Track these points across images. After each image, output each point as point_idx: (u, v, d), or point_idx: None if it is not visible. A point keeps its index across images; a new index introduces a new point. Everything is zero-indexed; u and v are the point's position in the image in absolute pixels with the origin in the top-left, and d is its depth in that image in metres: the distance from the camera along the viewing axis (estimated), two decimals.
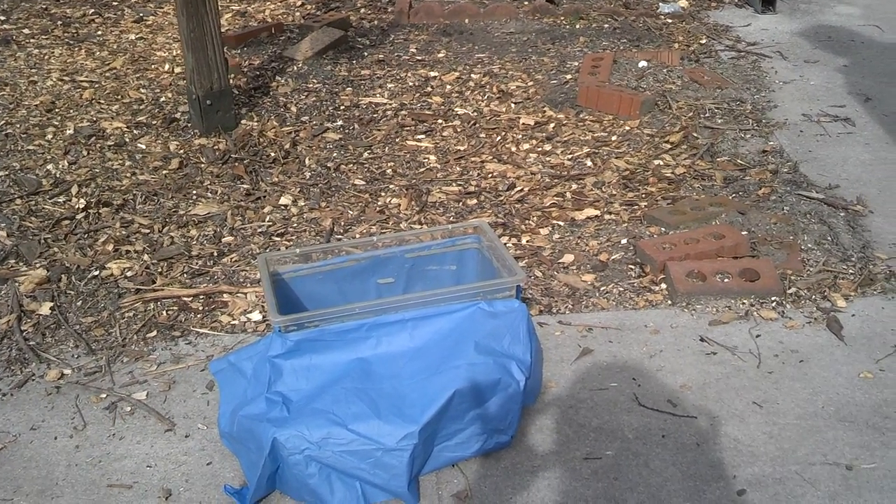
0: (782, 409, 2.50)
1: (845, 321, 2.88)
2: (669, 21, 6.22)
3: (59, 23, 6.44)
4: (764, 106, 4.66)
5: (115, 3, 6.95)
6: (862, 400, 2.53)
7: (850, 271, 3.14)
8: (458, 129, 4.49)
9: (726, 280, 3.04)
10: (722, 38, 5.82)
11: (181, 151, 4.28)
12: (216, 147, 4.30)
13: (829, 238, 3.35)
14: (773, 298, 3.00)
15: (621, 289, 3.11)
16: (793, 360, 2.71)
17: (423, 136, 4.44)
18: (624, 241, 3.40)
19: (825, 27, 6.07)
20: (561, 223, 3.54)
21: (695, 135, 4.29)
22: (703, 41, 5.76)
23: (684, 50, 5.57)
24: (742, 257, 3.20)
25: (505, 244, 3.35)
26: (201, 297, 3.13)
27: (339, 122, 4.61)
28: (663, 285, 3.11)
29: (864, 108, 4.64)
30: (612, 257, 3.30)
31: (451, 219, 3.61)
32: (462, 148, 4.28)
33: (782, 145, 4.18)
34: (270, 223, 3.61)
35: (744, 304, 2.98)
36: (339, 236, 3.51)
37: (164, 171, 4.06)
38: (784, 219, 3.47)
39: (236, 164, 4.12)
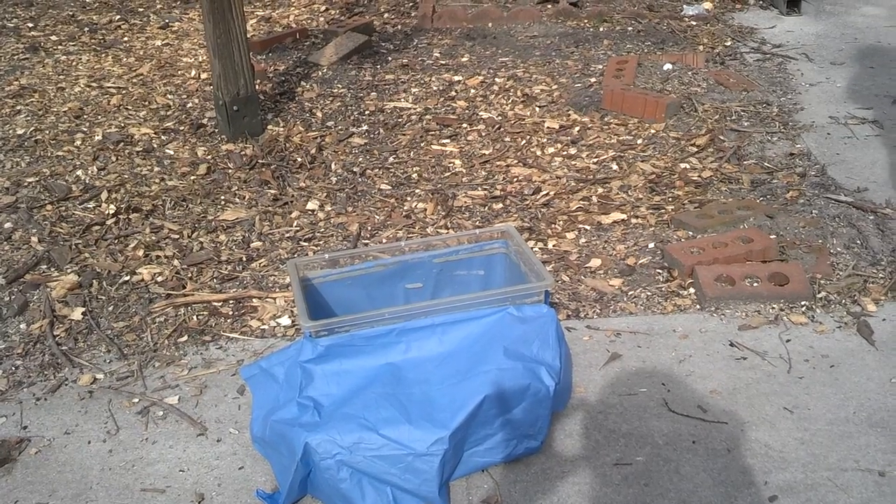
0: (813, 415, 2.48)
1: (876, 326, 2.86)
2: (694, 23, 6.20)
3: (86, 29, 6.51)
4: (790, 108, 4.63)
5: (140, 10, 7.02)
6: (894, 405, 2.51)
7: (881, 275, 3.12)
8: (483, 134, 4.50)
9: (755, 284, 3.03)
10: (747, 40, 5.79)
11: (209, 157, 4.31)
12: (243, 152, 4.33)
13: (858, 242, 3.32)
14: (802, 303, 2.98)
15: (649, 293, 3.11)
16: (823, 364, 2.69)
17: (447, 140, 4.45)
18: (651, 245, 3.40)
19: (851, 28, 6.02)
20: (587, 227, 3.54)
21: (721, 138, 4.27)
22: (728, 43, 5.74)
23: (709, 52, 5.55)
24: (771, 261, 3.18)
25: (532, 248, 3.35)
26: (231, 301, 3.15)
27: (365, 127, 4.63)
28: (691, 290, 3.10)
29: (892, 110, 4.60)
30: (640, 261, 3.29)
31: (478, 223, 3.62)
32: (487, 152, 4.28)
33: (809, 148, 4.15)
34: (298, 228, 3.63)
35: (773, 308, 2.97)
36: (366, 241, 3.52)
37: (193, 177, 4.10)
38: (813, 222, 3.45)
39: (263, 169, 4.15)
